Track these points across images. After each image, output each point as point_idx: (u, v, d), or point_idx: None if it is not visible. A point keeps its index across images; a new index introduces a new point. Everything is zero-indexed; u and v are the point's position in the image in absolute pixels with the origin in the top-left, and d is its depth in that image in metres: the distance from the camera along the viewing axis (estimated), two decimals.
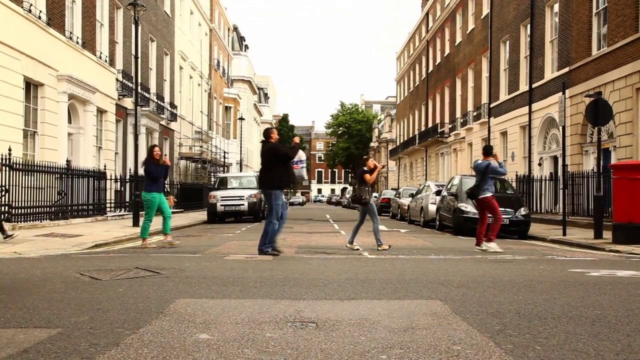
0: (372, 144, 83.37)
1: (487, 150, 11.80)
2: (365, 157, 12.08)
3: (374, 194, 47.72)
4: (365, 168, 11.46)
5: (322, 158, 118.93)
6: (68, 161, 17.80)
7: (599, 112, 13.81)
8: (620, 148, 17.77)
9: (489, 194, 11.32)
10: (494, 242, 11.25)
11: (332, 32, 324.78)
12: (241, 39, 64.62)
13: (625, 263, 9.35)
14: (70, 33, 19.63)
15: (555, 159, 23.05)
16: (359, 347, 3.76)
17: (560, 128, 18.75)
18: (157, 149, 11.63)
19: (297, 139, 10.41)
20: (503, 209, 15.49)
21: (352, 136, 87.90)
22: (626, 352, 3.71)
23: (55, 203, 16.65)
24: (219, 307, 5.03)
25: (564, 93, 15.19)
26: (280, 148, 9.96)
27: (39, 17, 17.17)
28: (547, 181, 22.38)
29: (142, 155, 25.93)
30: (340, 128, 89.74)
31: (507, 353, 3.65)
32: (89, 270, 7.41)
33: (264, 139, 10.22)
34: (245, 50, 65.16)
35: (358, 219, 11.54)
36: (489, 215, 11.37)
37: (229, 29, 54.61)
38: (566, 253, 11.26)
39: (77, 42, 20.01)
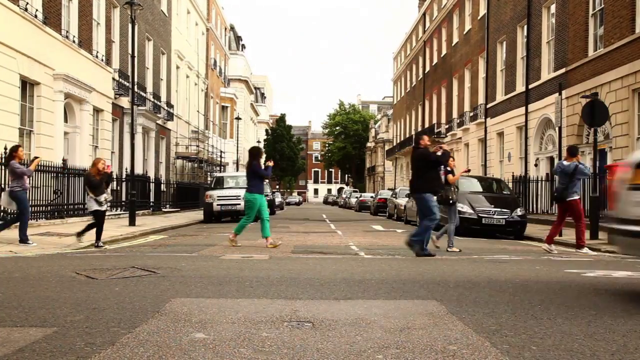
0: (368, 144, 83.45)
1: (573, 151, 11.50)
2: (451, 159, 12.04)
3: (369, 195, 47.72)
4: (449, 168, 11.66)
5: (319, 158, 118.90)
6: (64, 160, 17.75)
7: (595, 113, 13.85)
8: (616, 149, 17.82)
9: (577, 197, 11.24)
10: (585, 246, 11.18)
11: (329, 31, 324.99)
12: (238, 38, 64.59)
13: (620, 264, 9.38)
14: (67, 32, 19.59)
15: (551, 159, 23.09)
16: (355, 347, 3.76)
17: (557, 129, 18.80)
18: (265, 161, 11.71)
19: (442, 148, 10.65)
20: (499, 209, 15.59)
21: (349, 136, 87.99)
22: (622, 353, 3.72)
23: (51, 202, 16.61)
24: (215, 307, 5.02)
25: (560, 94, 15.24)
26: (430, 154, 10.20)
27: (35, 16, 17.13)
28: (544, 182, 22.43)
29: (139, 154, 26.06)
30: (337, 128, 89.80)
31: (503, 353, 3.65)
32: (84, 269, 7.39)
33: (414, 144, 10.54)
34: (242, 50, 65.14)
35: (449, 220, 11.59)
36: (568, 218, 11.37)
37: (225, 29, 54.57)
38: (562, 254, 11.27)
39: (74, 41, 19.97)
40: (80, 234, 11.11)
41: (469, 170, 13.32)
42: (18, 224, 11.15)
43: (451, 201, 11.45)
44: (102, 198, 10.96)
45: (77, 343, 3.79)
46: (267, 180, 11.25)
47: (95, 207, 10.97)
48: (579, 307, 5.25)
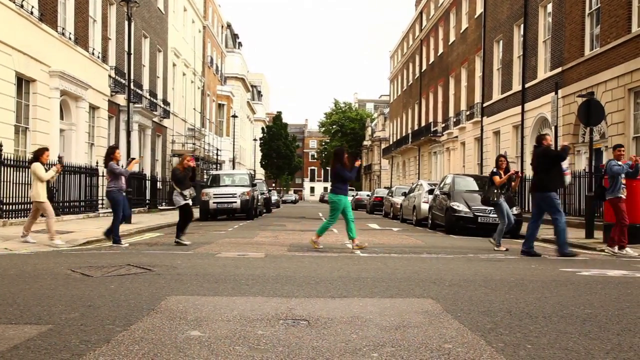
0: (365, 143, 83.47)
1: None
2: (502, 158, 11.97)
3: (365, 193, 47.70)
4: (495, 170, 11.74)
5: (315, 156, 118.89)
6: (60, 157, 17.68)
7: (591, 112, 13.87)
8: (612, 148, 17.86)
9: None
10: (626, 246, 10.83)
11: (325, 30, 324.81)
12: (235, 36, 64.50)
13: (615, 263, 9.41)
14: (63, 29, 19.53)
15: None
16: (351, 345, 3.76)
17: (553, 128, 18.84)
18: (347, 152, 11.60)
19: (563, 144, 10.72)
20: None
21: (346, 134, 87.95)
22: (616, 351, 3.73)
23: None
24: (211, 305, 5.02)
25: (556, 93, 15.27)
26: (552, 151, 10.27)
27: (31, 13, 17.07)
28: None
29: (135, 152, 26.01)
30: (334, 126, 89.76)
31: (498, 351, 3.66)
32: (80, 266, 7.38)
33: (536, 144, 10.57)
34: (238, 48, 65.05)
35: (499, 221, 11.60)
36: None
37: (222, 26, 54.48)
38: (557, 252, 11.28)
39: (70, 38, 19.91)
40: (180, 240, 11.35)
41: (516, 172, 12.12)
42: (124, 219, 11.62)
43: (492, 202, 11.56)
44: (187, 192, 11.34)
45: (72, 340, 3.78)
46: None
47: (182, 201, 11.37)
48: (574, 305, 5.26)
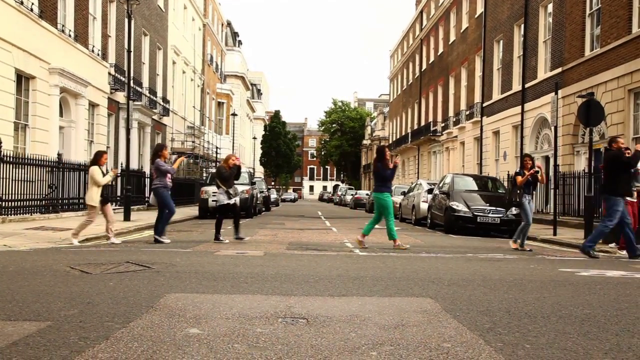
0: (364, 142, 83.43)
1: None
2: (527, 158, 11.92)
3: (365, 192, 47.68)
4: (518, 169, 11.79)
5: (315, 155, 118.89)
6: (59, 154, 17.69)
7: (591, 113, 13.86)
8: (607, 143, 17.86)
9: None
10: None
11: (325, 29, 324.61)
12: (235, 34, 64.45)
13: (614, 263, 9.41)
14: (63, 26, 19.51)
15: (547, 159, 23.14)
16: (349, 344, 3.76)
17: (552, 128, 18.82)
18: (388, 151, 11.69)
19: None
20: (494, 208, 15.63)
21: (345, 133, 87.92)
22: (614, 351, 3.74)
23: (46, 196, 16.56)
24: (210, 302, 5.02)
25: (556, 93, 15.25)
26: (621, 155, 10.19)
27: (31, 10, 17.05)
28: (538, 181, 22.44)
29: (134, 149, 26.01)
30: (334, 125, 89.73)
31: (496, 351, 3.66)
32: (79, 264, 7.37)
33: (607, 146, 10.59)
34: (238, 46, 64.99)
35: (523, 220, 11.58)
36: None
37: (222, 24, 54.43)
38: (556, 253, 11.31)
39: (70, 35, 19.89)
40: (239, 236, 11.61)
41: (537, 172, 11.85)
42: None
43: (514, 202, 11.65)
44: (232, 190, 11.67)
45: (71, 337, 3.78)
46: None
47: (225, 200, 11.55)
48: (572, 305, 5.27)
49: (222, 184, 11.75)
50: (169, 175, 11.35)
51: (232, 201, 11.76)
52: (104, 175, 10.92)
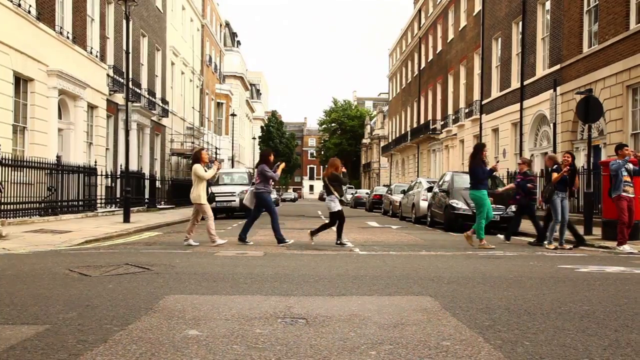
0: (364, 140, 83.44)
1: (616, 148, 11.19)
2: (567, 154, 11.82)
3: (364, 191, 47.66)
4: (556, 166, 11.67)
5: (314, 154, 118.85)
6: (58, 157, 17.68)
7: (589, 110, 13.87)
8: (610, 145, 17.84)
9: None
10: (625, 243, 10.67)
11: (324, 28, 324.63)
12: (233, 34, 64.41)
13: (613, 259, 9.42)
14: (61, 28, 19.49)
15: (546, 155, 23.11)
16: (349, 343, 3.76)
17: (551, 125, 18.84)
18: (486, 149, 11.81)
19: None
20: (494, 206, 15.59)
21: (345, 132, 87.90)
22: (613, 347, 3.73)
23: (45, 199, 16.55)
24: (209, 303, 5.01)
25: (555, 90, 15.27)
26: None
27: (29, 12, 17.03)
28: (538, 178, 22.45)
29: (133, 151, 25.97)
30: (333, 124, 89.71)
31: (496, 348, 3.66)
32: (78, 266, 7.37)
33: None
34: (237, 46, 64.96)
35: (553, 217, 11.48)
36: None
37: (220, 25, 54.40)
38: (556, 249, 11.29)
39: (68, 37, 19.87)
40: (314, 233, 11.61)
41: (570, 170, 11.56)
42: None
43: (545, 199, 11.61)
44: (343, 198, 11.67)
45: (69, 340, 3.77)
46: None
47: (339, 207, 11.38)
48: (572, 302, 5.27)
49: (336, 191, 11.35)
50: (272, 180, 11.48)
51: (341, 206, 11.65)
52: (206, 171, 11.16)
